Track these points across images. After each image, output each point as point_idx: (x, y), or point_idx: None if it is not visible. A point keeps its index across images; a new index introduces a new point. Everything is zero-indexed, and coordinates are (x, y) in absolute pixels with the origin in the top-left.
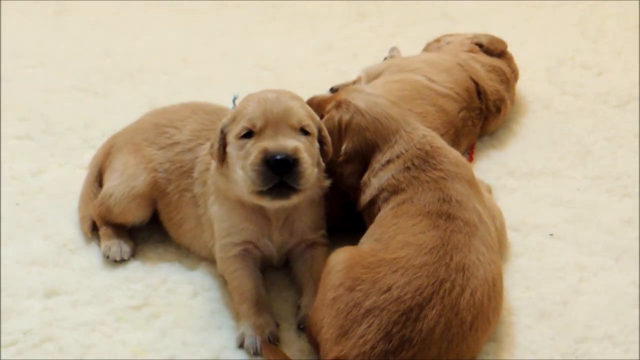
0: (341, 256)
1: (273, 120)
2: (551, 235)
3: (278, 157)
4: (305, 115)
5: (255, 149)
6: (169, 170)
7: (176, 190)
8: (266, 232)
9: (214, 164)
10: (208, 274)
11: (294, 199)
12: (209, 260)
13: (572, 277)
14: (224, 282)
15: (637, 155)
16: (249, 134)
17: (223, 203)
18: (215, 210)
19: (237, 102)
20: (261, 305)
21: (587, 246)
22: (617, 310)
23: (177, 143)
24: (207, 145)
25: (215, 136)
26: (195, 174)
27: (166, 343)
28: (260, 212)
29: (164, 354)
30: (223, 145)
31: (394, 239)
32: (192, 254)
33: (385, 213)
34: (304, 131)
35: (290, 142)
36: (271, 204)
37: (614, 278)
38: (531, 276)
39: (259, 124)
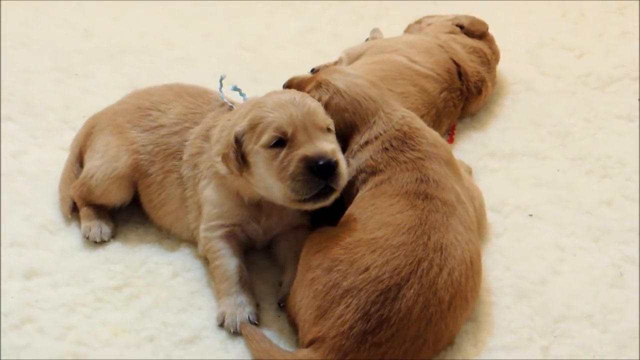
0: (319, 237)
1: (301, 125)
2: (531, 215)
3: (321, 163)
4: (325, 113)
5: (293, 158)
6: (153, 153)
7: (160, 172)
8: (256, 218)
9: (213, 151)
10: (188, 255)
11: (333, 199)
12: (189, 241)
13: (552, 257)
14: (204, 263)
15: (617, 136)
16: (279, 142)
17: (218, 189)
18: (207, 194)
19: (223, 81)
20: (242, 285)
21: (566, 227)
22: (595, 290)
23: (161, 126)
24: (197, 129)
25: (227, 144)
26: (185, 157)
27: (146, 323)
28: (252, 202)
29: (143, 334)
30: (240, 154)
31: (371, 219)
32: (172, 236)
33: (363, 194)
34: (328, 129)
35: (327, 145)
36: (313, 207)
37: (593, 258)
38: (511, 256)
39: (289, 131)
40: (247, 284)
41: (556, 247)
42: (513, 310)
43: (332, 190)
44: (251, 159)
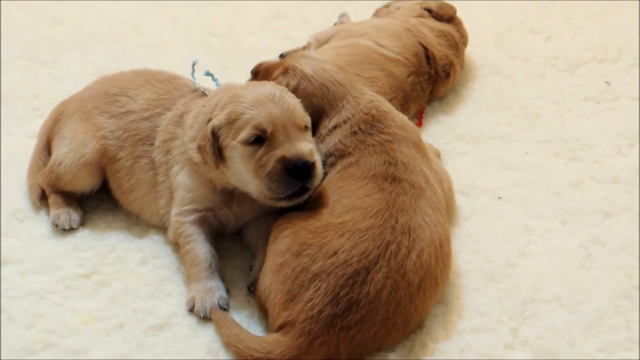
0: (287, 221)
1: (280, 123)
2: (499, 198)
3: (299, 165)
4: (304, 111)
5: (271, 157)
6: (122, 138)
7: (129, 157)
8: (228, 204)
9: (187, 136)
10: (157, 242)
11: (307, 197)
12: (158, 227)
13: (520, 239)
14: (173, 249)
15: (585, 119)
16: (257, 140)
17: (191, 175)
18: (181, 179)
19: (195, 67)
20: (213, 270)
21: (534, 209)
22: (564, 272)
23: (130, 112)
24: (169, 115)
25: (203, 136)
26: (157, 143)
27: (115, 310)
28: (227, 190)
29: (113, 321)
30: (217, 147)
31: (339, 202)
32: (141, 222)
33: (331, 177)
34: (305, 127)
35: (305, 146)
36: (287, 205)
37: (561, 240)
38: (479, 239)
39: (268, 129)
40: (217, 269)
41: (525, 230)
42: (482, 293)
43: (307, 190)
44: (228, 153)
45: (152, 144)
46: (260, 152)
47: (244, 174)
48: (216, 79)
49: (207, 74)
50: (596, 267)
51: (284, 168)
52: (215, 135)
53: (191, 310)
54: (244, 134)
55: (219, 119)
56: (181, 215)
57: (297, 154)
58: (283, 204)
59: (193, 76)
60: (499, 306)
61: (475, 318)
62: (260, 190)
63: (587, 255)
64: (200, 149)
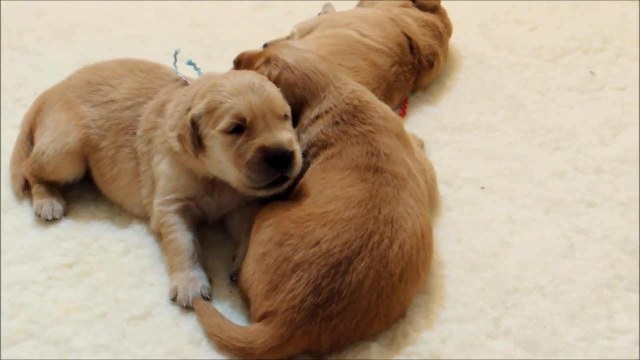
0: (270, 211)
1: (260, 112)
2: (483, 188)
3: (278, 154)
4: (283, 100)
5: (251, 147)
6: (104, 127)
7: (112, 146)
8: (210, 193)
9: (167, 125)
10: (140, 232)
11: (286, 187)
12: (141, 217)
13: (503, 229)
14: (155, 239)
15: (569, 109)
16: (237, 129)
17: (173, 164)
18: (162, 169)
19: (178, 56)
20: (196, 260)
21: (518, 199)
22: (546, 261)
23: (113, 101)
24: (151, 104)
25: (183, 125)
26: (139, 132)
27: (98, 300)
28: (208, 179)
29: (95, 311)
30: (197, 136)
31: (322, 193)
32: (124, 212)
33: (314, 168)
34: (285, 116)
35: (285, 135)
36: (266, 195)
37: (544, 230)
38: (462, 229)
39: (248, 118)
40: (200, 259)
41: (508, 220)
42: (465, 283)
43: (287, 179)
44: (207, 142)
45: (134, 134)
46: (239, 141)
47: (224, 163)
48: (198, 68)
49: (189, 63)
50: (579, 257)
51: (264, 157)
52: (194, 124)
53: (174, 299)
54: (223, 123)
55: (198, 108)
56: (163, 204)
57: (277, 143)
58: (262, 193)
59: (175, 65)
60: (481, 296)
61: (458, 308)
62: (240, 179)
63: (570, 245)
64: (180, 137)
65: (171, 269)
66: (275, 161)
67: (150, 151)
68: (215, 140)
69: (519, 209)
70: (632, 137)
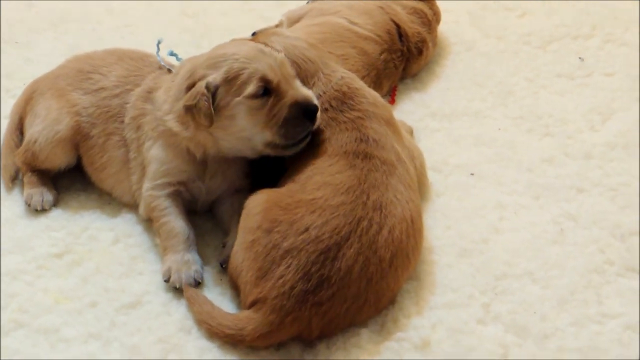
0: (259, 198)
1: (281, 73)
2: (472, 174)
3: (312, 106)
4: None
5: (283, 105)
6: (94, 115)
7: (101, 134)
8: (201, 176)
9: (162, 111)
10: (129, 221)
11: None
12: (131, 206)
13: (493, 215)
14: (145, 228)
15: (559, 95)
16: (265, 92)
17: (165, 148)
18: (154, 153)
19: (160, 46)
20: (190, 243)
21: (507, 185)
22: (536, 247)
23: (102, 89)
24: (137, 91)
25: (193, 95)
26: (127, 120)
27: (87, 289)
28: (198, 160)
29: (85, 301)
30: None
31: (311, 179)
32: (114, 202)
33: (303, 154)
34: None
35: (306, 90)
36: (293, 152)
37: (533, 216)
38: (452, 215)
39: (274, 80)
40: (193, 243)
41: (497, 206)
42: (454, 269)
43: (310, 133)
44: (228, 112)
45: (123, 121)
46: (270, 102)
47: (250, 129)
48: (180, 58)
49: (171, 53)
50: (569, 242)
51: (299, 111)
52: (213, 94)
53: (167, 280)
54: (252, 88)
55: (214, 77)
56: (154, 189)
57: (307, 97)
58: (292, 150)
59: (158, 54)
60: (471, 282)
61: (447, 294)
62: (271, 140)
63: (559, 230)
64: (189, 109)
65: (164, 251)
66: (309, 114)
67: (139, 138)
68: (240, 107)
69: (508, 195)
70: (622, 123)
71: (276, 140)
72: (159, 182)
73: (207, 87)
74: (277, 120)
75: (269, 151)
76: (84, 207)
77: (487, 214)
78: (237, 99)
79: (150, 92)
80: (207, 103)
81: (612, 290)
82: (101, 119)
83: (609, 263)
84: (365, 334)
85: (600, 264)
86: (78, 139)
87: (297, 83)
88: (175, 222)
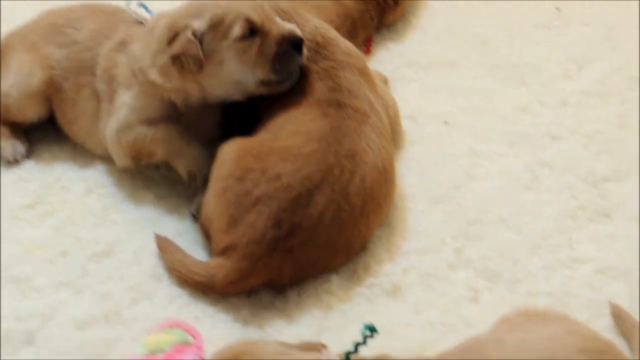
0: (231, 147)
1: (263, 12)
2: (447, 123)
3: (298, 39)
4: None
5: (271, 42)
6: (66, 68)
7: (73, 87)
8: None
9: (143, 63)
10: (102, 172)
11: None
12: (104, 157)
13: (467, 163)
14: (118, 179)
15: (534, 44)
16: (251, 33)
17: (141, 96)
18: (125, 100)
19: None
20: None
21: (482, 133)
22: (509, 194)
23: (75, 42)
24: (109, 42)
25: (181, 45)
26: (99, 72)
27: (60, 239)
28: (174, 107)
29: (57, 250)
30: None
31: (283, 128)
32: (87, 153)
33: (275, 103)
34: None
35: (290, 25)
36: (286, 88)
37: (507, 163)
38: (426, 163)
39: (259, 20)
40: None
41: (471, 153)
42: (427, 215)
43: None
44: (217, 57)
45: (94, 74)
46: (256, 42)
47: (241, 72)
48: (150, 10)
49: (141, 5)
50: (542, 189)
51: (288, 45)
52: (201, 41)
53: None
54: (238, 30)
55: (199, 25)
56: (127, 129)
57: (291, 30)
58: (283, 87)
59: (129, 8)
60: (443, 228)
61: (419, 240)
62: (263, 77)
63: (533, 177)
64: (176, 59)
65: (175, 156)
66: (297, 47)
67: (112, 89)
68: (229, 51)
69: (483, 143)
70: (597, 72)
71: (269, 77)
72: (130, 121)
73: (194, 34)
74: (267, 57)
75: (262, 90)
76: (57, 159)
77: (461, 162)
78: (225, 43)
79: (122, 44)
80: (196, 50)
81: (584, 236)
82: (73, 72)
83: (582, 209)
84: (336, 280)
85: (573, 210)
86: (50, 92)
87: (279, 20)
88: (165, 129)
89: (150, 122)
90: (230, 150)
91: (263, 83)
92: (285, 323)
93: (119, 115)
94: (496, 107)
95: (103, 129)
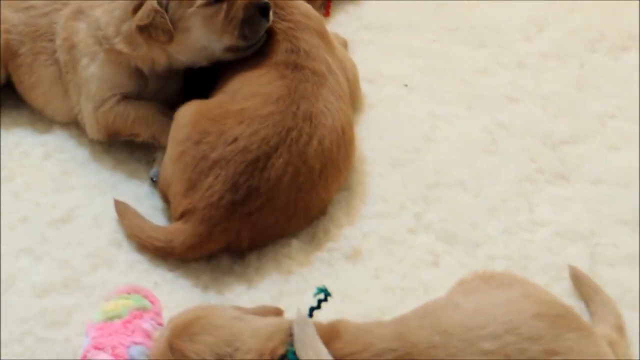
0: (188, 110)
1: None
2: (406, 86)
3: (264, 4)
4: None
5: (238, 8)
6: (23, 33)
7: (29, 53)
8: (143, 92)
9: (108, 31)
10: (61, 137)
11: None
12: (62, 123)
13: (425, 125)
14: (77, 143)
15: (494, 7)
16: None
17: (105, 65)
18: (92, 72)
19: None
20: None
21: (441, 95)
22: (468, 156)
23: (32, 7)
24: (66, 11)
25: (146, 15)
26: (58, 42)
27: (18, 205)
28: (141, 74)
29: (16, 216)
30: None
31: (240, 90)
32: (46, 118)
33: (231, 66)
34: None
35: None
36: (250, 52)
37: (466, 125)
38: (385, 126)
39: None
40: None
41: (430, 116)
42: (386, 179)
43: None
44: (183, 24)
45: (51, 40)
46: (223, 8)
47: (208, 38)
48: None
49: None
50: (500, 151)
51: (255, 10)
52: (167, 10)
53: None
54: None
55: None
56: (103, 105)
57: None
58: (251, 51)
59: None
60: (402, 191)
61: (379, 203)
62: (230, 44)
63: (491, 139)
64: (143, 29)
65: (160, 134)
66: (264, 11)
67: (74, 58)
68: (195, 17)
69: (441, 105)
70: (556, 33)
71: (237, 43)
72: (105, 97)
73: (159, 3)
74: (235, 23)
75: (228, 56)
76: (16, 124)
77: (420, 125)
78: (191, 9)
79: (80, 11)
80: (163, 19)
81: (543, 198)
82: (29, 37)
83: (540, 171)
84: (296, 244)
85: (532, 173)
86: (7, 57)
87: None
88: (148, 107)
89: (125, 97)
90: (187, 114)
91: (230, 49)
92: (244, 288)
93: (91, 90)
94: (455, 69)
95: (76, 104)
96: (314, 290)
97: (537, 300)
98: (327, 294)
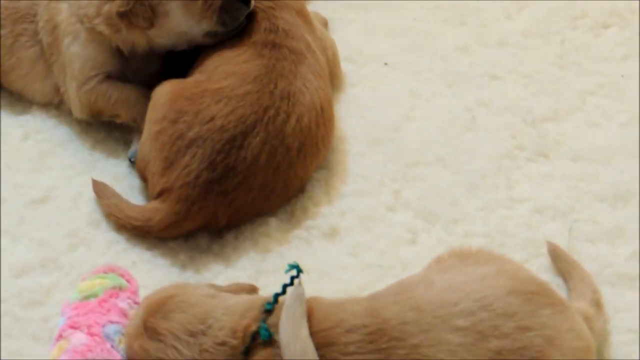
0: (165, 89)
1: None
2: (386, 64)
3: None
4: None
5: None
6: (2, 16)
7: (9, 35)
8: (124, 73)
9: (90, 13)
10: (39, 117)
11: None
12: (41, 104)
13: (405, 104)
14: (55, 124)
15: None
16: None
17: (88, 44)
18: (74, 51)
19: None
20: None
21: (421, 74)
22: (448, 134)
23: None
24: None
25: (126, 1)
26: (41, 23)
27: None
28: (122, 53)
29: None
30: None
31: (217, 69)
32: (24, 99)
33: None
34: None
35: None
36: (227, 37)
37: (446, 103)
38: (365, 105)
39: None
40: None
41: (410, 94)
42: (366, 157)
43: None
44: (162, 9)
45: (32, 22)
46: None
47: (187, 23)
48: None
49: None
50: (480, 128)
51: None
52: None
53: None
54: None
55: None
56: (86, 84)
57: None
58: (230, 35)
59: None
60: (382, 170)
61: (358, 182)
62: (209, 29)
63: (471, 117)
64: (122, 15)
65: (141, 119)
66: None
67: (57, 38)
68: (174, 2)
69: (422, 84)
70: (538, 11)
71: (216, 29)
72: (88, 75)
73: None
74: (214, 9)
75: (208, 40)
76: None
77: (400, 103)
78: None
79: None
80: (143, 6)
81: (522, 175)
82: (9, 20)
83: (520, 148)
84: (274, 222)
85: (511, 150)
86: None
87: None
88: (132, 89)
89: (109, 77)
90: (164, 93)
91: (209, 34)
92: (222, 267)
93: (74, 70)
94: (435, 47)
95: (62, 84)
96: (286, 267)
97: (512, 276)
98: (299, 270)
